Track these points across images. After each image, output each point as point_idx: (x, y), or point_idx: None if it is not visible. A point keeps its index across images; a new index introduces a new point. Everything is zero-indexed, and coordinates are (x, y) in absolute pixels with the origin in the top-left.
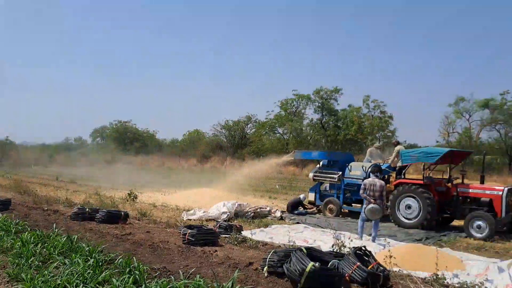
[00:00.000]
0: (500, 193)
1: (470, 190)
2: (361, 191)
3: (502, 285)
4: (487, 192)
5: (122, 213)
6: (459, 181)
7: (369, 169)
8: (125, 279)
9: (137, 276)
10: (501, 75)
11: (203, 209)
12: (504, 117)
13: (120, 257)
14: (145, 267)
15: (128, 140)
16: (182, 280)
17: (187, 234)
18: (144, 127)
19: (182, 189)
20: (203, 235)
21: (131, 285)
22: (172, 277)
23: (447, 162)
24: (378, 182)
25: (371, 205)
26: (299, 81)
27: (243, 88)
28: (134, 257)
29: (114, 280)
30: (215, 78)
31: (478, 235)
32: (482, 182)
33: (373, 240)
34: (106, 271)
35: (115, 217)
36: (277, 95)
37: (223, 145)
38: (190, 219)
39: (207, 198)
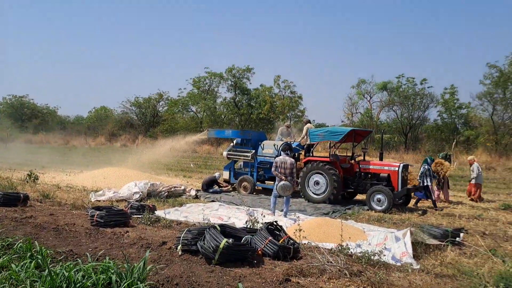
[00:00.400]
0: (397, 169)
1: (371, 167)
2: (272, 169)
3: (398, 253)
4: (385, 168)
5: (22, 195)
6: (361, 158)
7: (280, 148)
8: (26, 264)
9: (39, 260)
10: (398, 59)
11: (113, 190)
12: (400, 99)
13: (20, 241)
14: (48, 251)
15: (26, 117)
16: (90, 262)
17: (95, 216)
18: (43, 102)
19: (89, 169)
20: (113, 216)
21: (33, 270)
22: (79, 260)
23: (350, 140)
24: (289, 160)
25: (282, 182)
26: (212, 59)
27: (154, 64)
28: (36, 241)
29: (13, 265)
30: (122, 51)
31: (378, 208)
32: (381, 159)
33: (285, 215)
34: (4, 256)
35: (13, 199)
36: (189, 73)
37: (134, 123)
38: (99, 200)
39: (117, 178)
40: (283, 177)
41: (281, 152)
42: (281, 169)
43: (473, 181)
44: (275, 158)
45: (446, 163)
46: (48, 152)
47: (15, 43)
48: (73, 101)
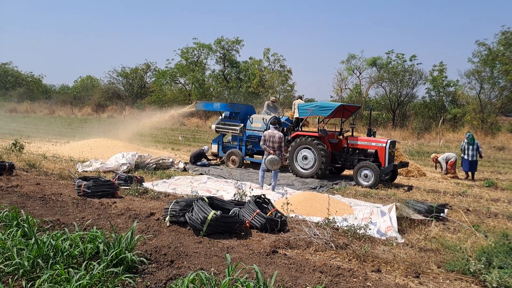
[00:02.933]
0: (384, 145)
1: (359, 142)
2: (261, 143)
3: (384, 227)
4: (373, 144)
5: (7, 164)
6: (349, 134)
7: (269, 121)
8: (13, 232)
9: (26, 228)
10: (389, 34)
11: (100, 161)
12: (389, 75)
13: (5, 210)
14: (35, 220)
15: (9, 85)
16: (77, 232)
17: (82, 186)
18: (27, 70)
19: (76, 139)
20: (100, 187)
21: (20, 238)
22: (66, 229)
23: (339, 116)
24: (277, 133)
25: (270, 156)
26: (200, 30)
27: (141, 33)
28: (22, 210)
29: None
30: (108, 19)
31: (365, 183)
32: (369, 135)
33: (273, 189)
34: None
35: None
36: (178, 43)
37: (121, 94)
38: (86, 171)
39: (104, 149)
40: (271, 151)
41: (270, 125)
42: (270, 143)
43: (450, 161)
44: (263, 132)
45: None
46: (33, 121)
47: None
48: (58, 70)
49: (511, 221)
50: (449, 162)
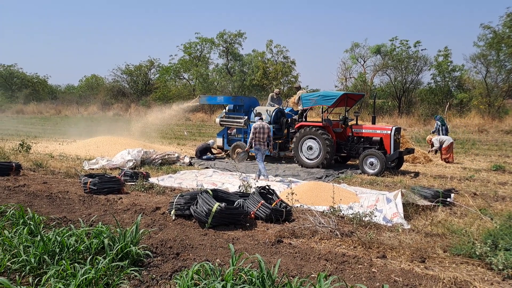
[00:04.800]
0: (389, 132)
1: (363, 130)
2: (251, 135)
3: (389, 214)
4: (378, 131)
5: (14, 164)
6: (354, 122)
7: (255, 114)
8: (19, 230)
9: (32, 226)
10: (392, 21)
11: (106, 158)
12: (393, 62)
13: (12, 208)
14: (42, 218)
15: (16, 87)
16: (83, 228)
17: (88, 183)
18: (32, 71)
19: (82, 138)
20: (106, 183)
21: (26, 236)
22: (72, 226)
23: (343, 104)
24: (266, 125)
25: (242, 152)
26: (202, 25)
27: (143, 30)
28: (28, 208)
29: (6, 232)
30: (110, 17)
31: (371, 171)
32: (373, 122)
33: (259, 176)
34: None
35: (6, 168)
36: (180, 39)
37: (126, 92)
38: (93, 169)
39: (110, 147)
40: (260, 142)
41: (256, 117)
42: (260, 134)
43: (444, 145)
44: (268, 123)
45: None
46: (40, 122)
47: (0, 11)
48: (63, 70)
49: None
50: (443, 146)
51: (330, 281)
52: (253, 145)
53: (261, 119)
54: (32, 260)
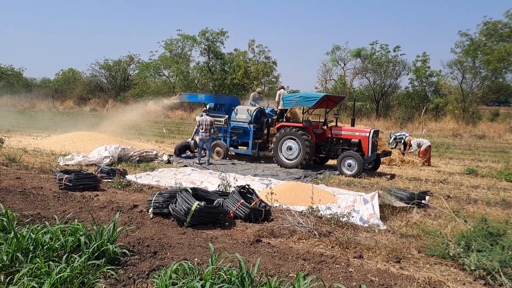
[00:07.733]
0: (367, 134)
1: (342, 132)
2: (196, 126)
3: (366, 215)
4: (356, 133)
5: None
6: (333, 124)
7: (202, 111)
8: None
9: (5, 222)
10: (373, 25)
11: (82, 154)
12: (373, 66)
13: None
14: (15, 214)
15: None
16: (58, 225)
17: (63, 179)
18: (7, 63)
19: (57, 133)
20: (82, 180)
21: None
22: (47, 223)
23: (323, 106)
24: (209, 119)
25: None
26: (184, 22)
27: (124, 25)
28: (1, 204)
29: None
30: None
31: (349, 172)
32: (352, 125)
33: (199, 163)
34: None
35: None
36: (161, 35)
37: (104, 87)
38: (68, 165)
39: (86, 142)
40: (202, 131)
41: (203, 113)
42: (202, 126)
43: (422, 148)
44: (249, 123)
45: None
46: (14, 115)
47: None
48: (39, 63)
49: (490, 206)
50: (421, 149)
51: (309, 281)
52: (198, 135)
53: (207, 114)
54: (5, 257)
